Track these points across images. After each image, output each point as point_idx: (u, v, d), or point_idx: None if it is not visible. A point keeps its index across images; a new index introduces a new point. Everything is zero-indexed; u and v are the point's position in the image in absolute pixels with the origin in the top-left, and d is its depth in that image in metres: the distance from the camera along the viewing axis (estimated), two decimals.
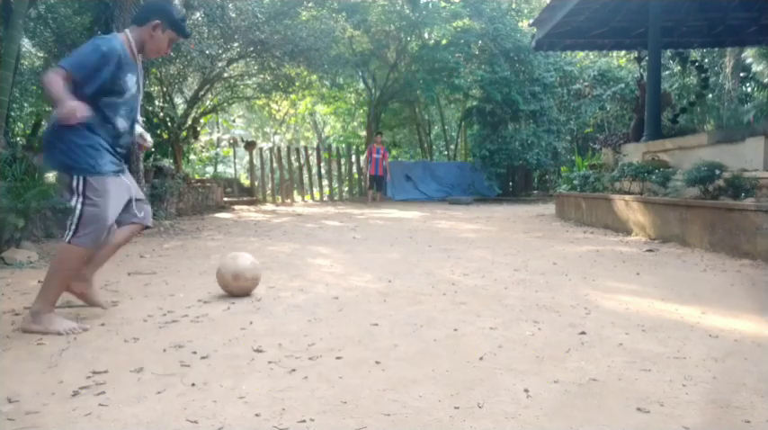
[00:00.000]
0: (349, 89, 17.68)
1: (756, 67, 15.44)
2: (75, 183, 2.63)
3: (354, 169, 17.31)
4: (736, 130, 6.77)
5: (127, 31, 2.83)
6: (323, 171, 16.95)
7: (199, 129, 13.60)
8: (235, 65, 12.68)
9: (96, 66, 2.62)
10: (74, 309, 3.05)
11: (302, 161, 16.38)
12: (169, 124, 11.75)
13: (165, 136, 11.79)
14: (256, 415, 1.70)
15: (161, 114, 11.55)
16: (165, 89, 12.00)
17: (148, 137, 3.08)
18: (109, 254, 2.98)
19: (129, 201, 2.89)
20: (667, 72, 14.12)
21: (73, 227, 2.62)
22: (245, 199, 14.35)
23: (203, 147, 15.92)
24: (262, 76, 13.08)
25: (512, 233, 6.95)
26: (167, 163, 10.17)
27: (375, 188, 14.26)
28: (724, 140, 6.19)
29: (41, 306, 2.63)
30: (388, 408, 1.74)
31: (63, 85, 2.51)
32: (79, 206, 2.62)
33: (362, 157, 15.89)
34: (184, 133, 12.33)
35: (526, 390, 1.87)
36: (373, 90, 17.01)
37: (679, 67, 13.82)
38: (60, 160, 2.67)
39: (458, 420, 1.66)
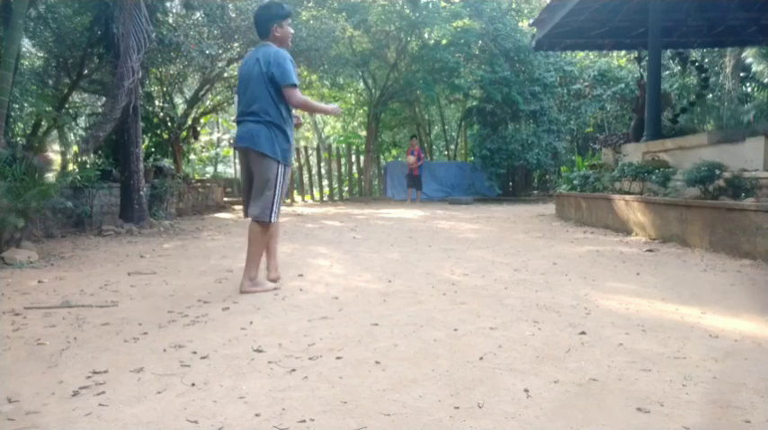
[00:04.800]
0: (349, 89, 17.68)
1: (756, 67, 15.44)
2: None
3: (354, 169, 17.31)
4: (736, 130, 6.77)
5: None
6: (323, 171, 16.95)
7: (199, 129, 13.61)
8: (235, 65, 12.67)
9: None
10: (73, 308, 3.05)
11: (302, 161, 16.38)
12: (169, 124, 11.76)
13: (165, 136, 11.79)
14: (256, 415, 1.70)
15: (161, 114, 11.55)
16: (165, 89, 12.00)
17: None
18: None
19: None
20: (667, 72, 14.12)
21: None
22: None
23: (203, 147, 15.95)
24: None
25: (512, 233, 6.95)
26: (167, 163, 10.18)
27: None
28: (724, 140, 6.19)
29: (255, 272, 3.48)
30: (388, 408, 1.73)
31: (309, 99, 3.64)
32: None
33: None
34: (184, 133, 12.34)
35: (526, 390, 1.87)
36: (373, 90, 17.01)
37: (679, 67, 13.81)
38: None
39: (458, 420, 1.66)
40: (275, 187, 3.42)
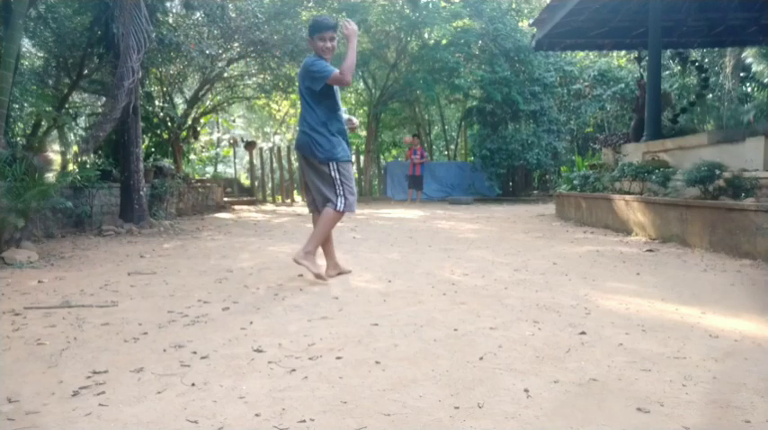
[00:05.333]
0: (349, 89, 17.67)
1: (756, 67, 15.44)
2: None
3: (354, 169, 17.29)
4: (736, 130, 6.77)
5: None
6: None
7: (199, 129, 13.61)
8: (235, 65, 12.69)
9: None
10: (73, 308, 3.05)
11: None
12: (169, 124, 11.76)
13: (165, 136, 11.80)
14: (256, 415, 1.69)
15: (161, 114, 11.55)
16: (165, 89, 12.00)
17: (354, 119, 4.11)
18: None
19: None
20: (667, 72, 14.12)
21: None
22: (245, 199, 14.37)
23: (203, 147, 15.94)
24: (262, 75, 13.09)
25: (512, 233, 6.95)
26: (167, 163, 10.18)
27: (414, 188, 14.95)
28: (724, 140, 6.19)
29: (312, 248, 3.74)
30: (388, 408, 1.73)
31: None
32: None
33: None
34: (184, 133, 12.34)
35: (526, 390, 1.87)
36: (373, 90, 17.02)
37: (679, 67, 13.82)
38: None
39: (458, 420, 1.66)
40: (334, 183, 3.78)
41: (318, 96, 3.72)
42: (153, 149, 11.49)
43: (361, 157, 17.03)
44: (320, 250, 3.94)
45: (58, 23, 8.27)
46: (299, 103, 21.36)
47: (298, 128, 4.00)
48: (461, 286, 3.64)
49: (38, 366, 2.13)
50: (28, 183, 4.99)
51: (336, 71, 3.62)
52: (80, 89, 9.87)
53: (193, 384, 1.94)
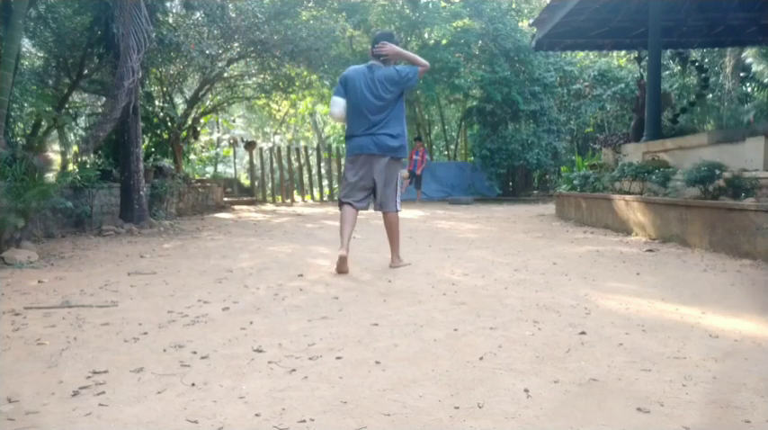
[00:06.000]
0: None
1: (756, 67, 15.44)
2: None
3: None
4: (736, 130, 6.77)
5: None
6: (323, 171, 16.94)
7: (199, 129, 13.60)
8: (235, 65, 12.69)
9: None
10: (73, 308, 3.05)
11: (302, 161, 16.38)
12: (169, 124, 11.76)
13: (165, 136, 11.80)
14: (256, 415, 1.69)
15: (161, 114, 11.55)
16: (165, 89, 12.00)
17: None
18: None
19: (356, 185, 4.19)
20: (667, 72, 14.12)
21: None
22: (245, 199, 14.37)
23: (203, 147, 15.93)
24: (262, 75, 13.09)
25: (512, 233, 6.95)
26: (167, 163, 10.18)
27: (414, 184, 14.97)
28: (724, 140, 6.19)
29: (398, 253, 4.39)
30: (388, 408, 1.73)
31: None
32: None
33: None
34: (184, 133, 12.34)
35: (526, 390, 1.87)
36: None
37: (679, 67, 13.82)
38: None
39: (458, 420, 1.66)
40: (397, 181, 4.25)
41: (402, 98, 4.14)
42: (153, 149, 11.49)
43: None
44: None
45: (58, 23, 8.27)
46: (299, 102, 21.18)
47: (365, 131, 4.10)
48: (461, 286, 3.64)
49: (38, 366, 2.13)
50: (28, 183, 4.99)
51: (417, 68, 4.12)
52: (80, 89, 9.87)
53: (193, 384, 1.94)
